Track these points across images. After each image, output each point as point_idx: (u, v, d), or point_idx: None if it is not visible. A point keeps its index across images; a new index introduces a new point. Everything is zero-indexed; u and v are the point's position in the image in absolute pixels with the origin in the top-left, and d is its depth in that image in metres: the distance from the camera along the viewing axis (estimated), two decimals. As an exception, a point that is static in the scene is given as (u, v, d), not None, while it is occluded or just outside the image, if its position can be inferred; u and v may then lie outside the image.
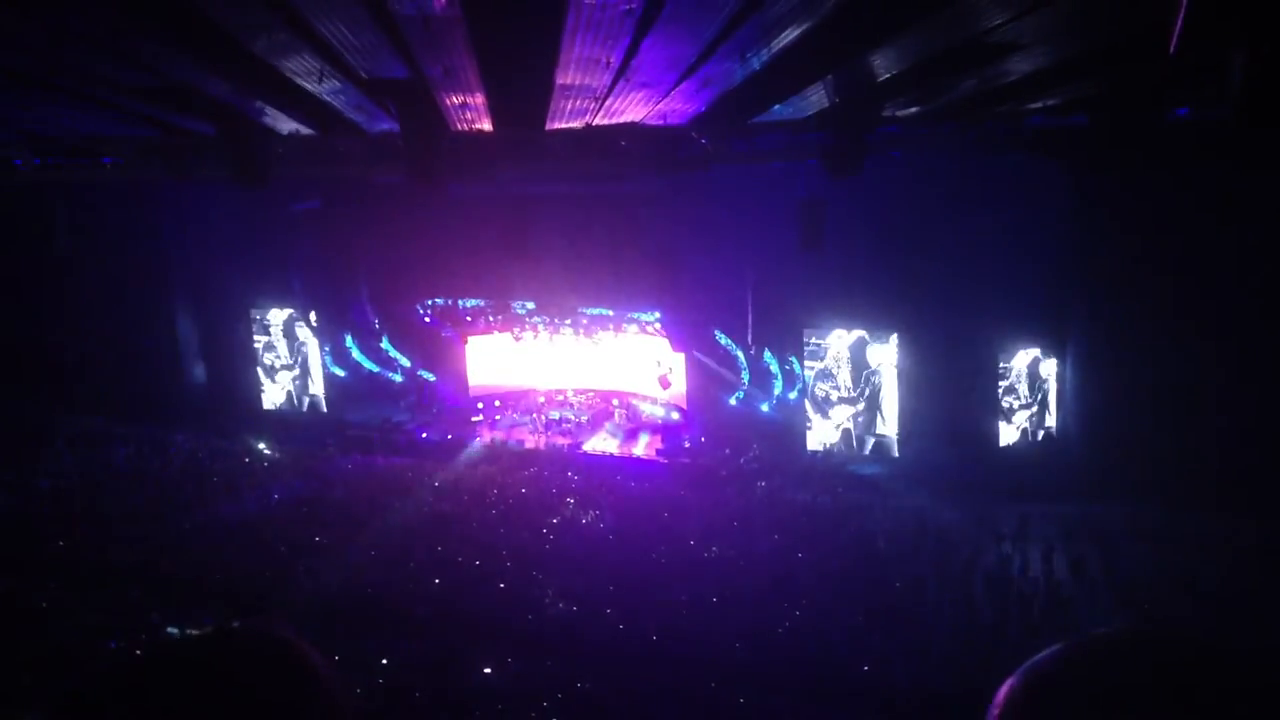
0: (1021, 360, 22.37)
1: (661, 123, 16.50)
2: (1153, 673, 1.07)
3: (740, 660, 14.41)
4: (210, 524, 19.55)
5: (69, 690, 1.15)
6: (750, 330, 24.29)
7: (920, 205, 19.91)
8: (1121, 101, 14.24)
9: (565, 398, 27.77)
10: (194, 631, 1.21)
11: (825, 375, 23.58)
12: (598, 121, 15.87)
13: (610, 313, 26.61)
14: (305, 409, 27.88)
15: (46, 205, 25.32)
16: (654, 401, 26.86)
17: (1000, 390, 22.24)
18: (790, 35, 10.63)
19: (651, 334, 26.30)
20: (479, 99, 14.14)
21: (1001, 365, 22.18)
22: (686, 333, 25.33)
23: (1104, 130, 15.07)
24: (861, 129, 15.09)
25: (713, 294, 24.25)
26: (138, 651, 1.26)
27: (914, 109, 16.00)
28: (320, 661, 1.22)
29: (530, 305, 27.21)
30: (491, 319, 27.79)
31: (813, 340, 23.54)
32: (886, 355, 22.93)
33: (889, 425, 23.12)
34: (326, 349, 27.56)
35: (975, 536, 18.70)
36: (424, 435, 26.21)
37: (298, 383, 27.85)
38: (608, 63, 11.56)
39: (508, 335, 27.81)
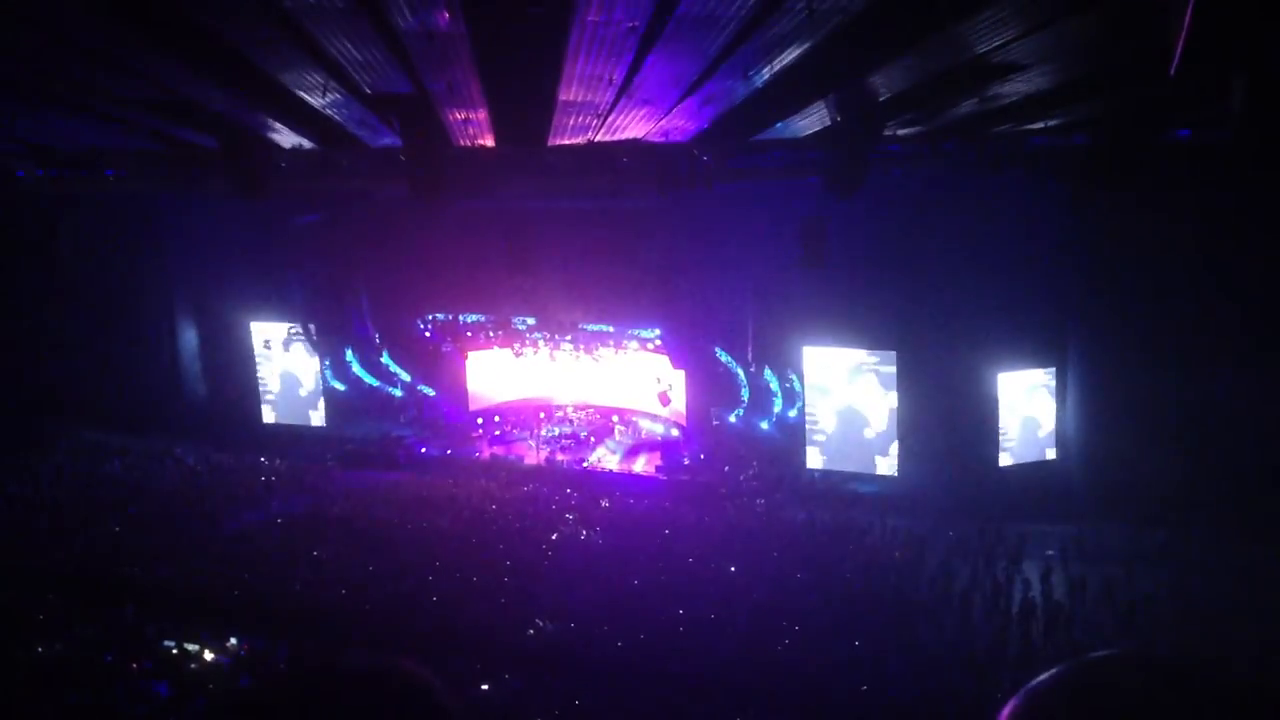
0: (1021, 379, 22.31)
1: (663, 140, 16.57)
2: (1153, 695, 1.07)
3: (738, 678, 14.33)
4: (208, 537, 19.48)
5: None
6: (750, 348, 24.25)
7: (921, 223, 19.92)
8: (1122, 123, 14.31)
9: (565, 414, 27.73)
10: (322, 665, 1.17)
11: (825, 393, 23.53)
12: (600, 138, 15.95)
13: (610, 329, 26.61)
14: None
15: (48, 216, 25.42)
16: (654, 418, 26.83)
17: (999, 409, 22.16)
18: (792, 54, 10.68)
19: (652, 351, 26.30)
20: (482, 115, 14.21)
21: (1001, 384, 22.11)
22: (687, 350, 25.31)
23: (1105, 151, 15.12)
24: (862, 147, 15.14)
25: (713, 311, 24.24)
26: (276, 678, 1.23)
27: (915, 128, 16.08)
28: (458, 710, 1.19)
29: (531, 321, 27.21)
30: (492, 334, 27.78)
31: (813, 358, 23.51)
32: (886, 373, 22.86)
33: (888, 444, 23.04)
34: (327, 363, 27.56)
35: (974, 556, 18.63)
36: (423, 450, 26.17)
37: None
38: (611, 79, 11.62)
39: (508, 351, 27.79)
